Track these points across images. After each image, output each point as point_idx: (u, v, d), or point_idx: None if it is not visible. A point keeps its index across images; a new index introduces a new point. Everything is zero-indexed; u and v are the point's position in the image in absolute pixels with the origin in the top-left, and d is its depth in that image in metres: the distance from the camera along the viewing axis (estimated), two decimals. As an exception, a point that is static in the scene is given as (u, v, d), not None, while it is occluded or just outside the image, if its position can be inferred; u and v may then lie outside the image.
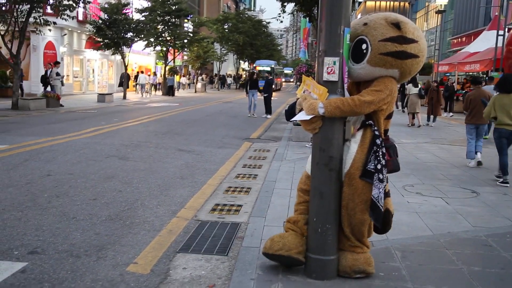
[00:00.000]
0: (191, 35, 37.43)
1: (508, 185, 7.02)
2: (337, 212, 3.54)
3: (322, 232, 3.51)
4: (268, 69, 47.05)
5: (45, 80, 21.18)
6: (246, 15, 53.76)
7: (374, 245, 4.17)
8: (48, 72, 21.39)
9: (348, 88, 3.64)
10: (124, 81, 28.98)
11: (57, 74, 20.59)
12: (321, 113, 3.40)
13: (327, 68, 3.47)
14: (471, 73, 26.44)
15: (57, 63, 21.59)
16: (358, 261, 3.56)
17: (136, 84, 33.48)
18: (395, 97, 3.59)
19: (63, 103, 19.91)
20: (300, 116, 3.56)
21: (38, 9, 17.74)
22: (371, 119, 3.53)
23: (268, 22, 58.35)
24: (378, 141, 3.47)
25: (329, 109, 3.38)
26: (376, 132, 3.49)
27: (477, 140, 8.77)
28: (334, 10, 3.43)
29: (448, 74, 32.78)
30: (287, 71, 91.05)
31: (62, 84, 22.49)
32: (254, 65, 50.66)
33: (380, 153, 3.45)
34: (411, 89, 16.27)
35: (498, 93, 7.47)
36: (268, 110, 18.50)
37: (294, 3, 17.46)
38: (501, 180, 7.16)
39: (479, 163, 8.54)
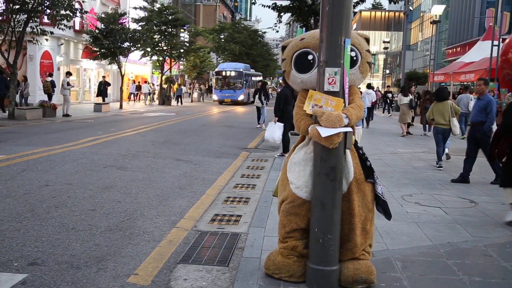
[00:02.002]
0: (188, 44, 37.55)
1: (442, 168, 9.22)
2: (338, 222, 3.55)
3: (324, 243, 3.51)
4: (234, 74, 37.54)
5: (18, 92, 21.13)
6: (242, 25, 54.00)
7: (374, 256, 4.17)
8: (22, 83, 21.29)
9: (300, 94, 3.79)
10: (102, 89, 28.78)
11: (68, 84, 20.54)
12: (347, 123, 3.44)
13: (328, 78, 3.49)
14: (465, 83, 26.60)
15: (68, 74, 21.52)
16: (359, 270, 3.55)
17: (137, 94, 35.01)
18: None
19: (70, 113, 20.08)
20: (329, 131, 3.35)
21: (35, 19, 17.76)
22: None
23: (264, 32, 58.68)
24: (358, 144, 3.73)
25: (351, 118, 3.46)
26: (354, 137, 3.70)
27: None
28: (334, 21, 3.45)
29: (443, 84, 32.93)
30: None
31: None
32: (218, 69, 39.66)
33: (365, 154, 3.70)
34: (402, 99, 16.10)
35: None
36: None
37: (290, 13, 17.53)
38: (437, 165, 9.37)
39: (447, 156, 10.51)
